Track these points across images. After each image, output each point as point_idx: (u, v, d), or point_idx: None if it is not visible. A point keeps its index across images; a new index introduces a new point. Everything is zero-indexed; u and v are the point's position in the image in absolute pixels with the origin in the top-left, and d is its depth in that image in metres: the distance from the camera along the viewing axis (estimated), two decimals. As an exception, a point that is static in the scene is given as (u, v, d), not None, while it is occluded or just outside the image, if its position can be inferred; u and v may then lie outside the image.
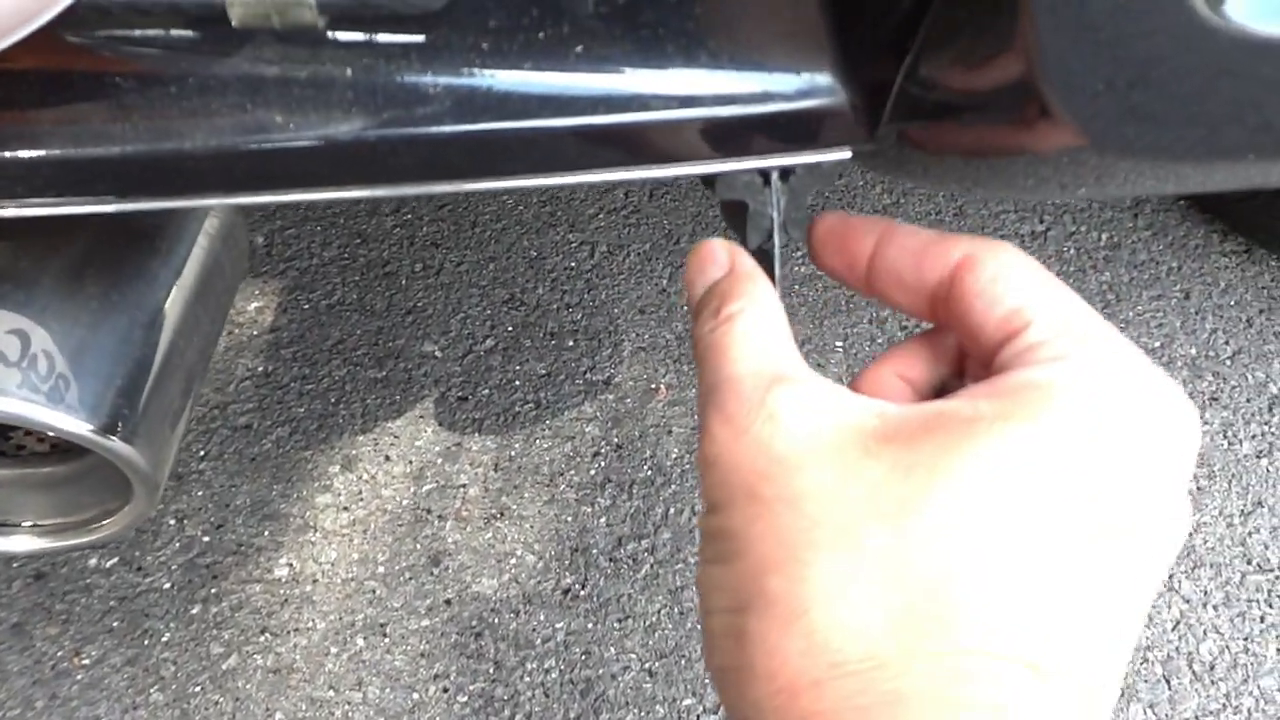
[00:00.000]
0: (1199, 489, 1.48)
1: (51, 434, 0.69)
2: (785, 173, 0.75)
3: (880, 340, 1.67)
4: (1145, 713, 1.24)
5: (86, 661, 1.26)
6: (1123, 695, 1.26)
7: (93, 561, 1.35)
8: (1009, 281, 0.40)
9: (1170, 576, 1.38)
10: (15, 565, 1.34)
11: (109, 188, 0.64)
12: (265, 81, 0.59)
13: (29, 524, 0.82)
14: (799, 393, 0.38)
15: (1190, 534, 1.43)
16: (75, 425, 0.69)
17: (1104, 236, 1.88)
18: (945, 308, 0.42)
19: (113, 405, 0.72)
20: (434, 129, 0.63)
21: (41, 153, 0.61)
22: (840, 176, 2.00)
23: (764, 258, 0.77)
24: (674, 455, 1.49)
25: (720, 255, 0.53)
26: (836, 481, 0.34)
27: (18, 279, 0.75)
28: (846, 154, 0.72)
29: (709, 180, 0.75)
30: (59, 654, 1.26)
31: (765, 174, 0.74)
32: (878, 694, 0.31)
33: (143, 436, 0.74)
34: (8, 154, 0.62)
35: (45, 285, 0.75)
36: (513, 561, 1.36)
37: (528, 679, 1.26)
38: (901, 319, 1.71)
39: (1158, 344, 1.69)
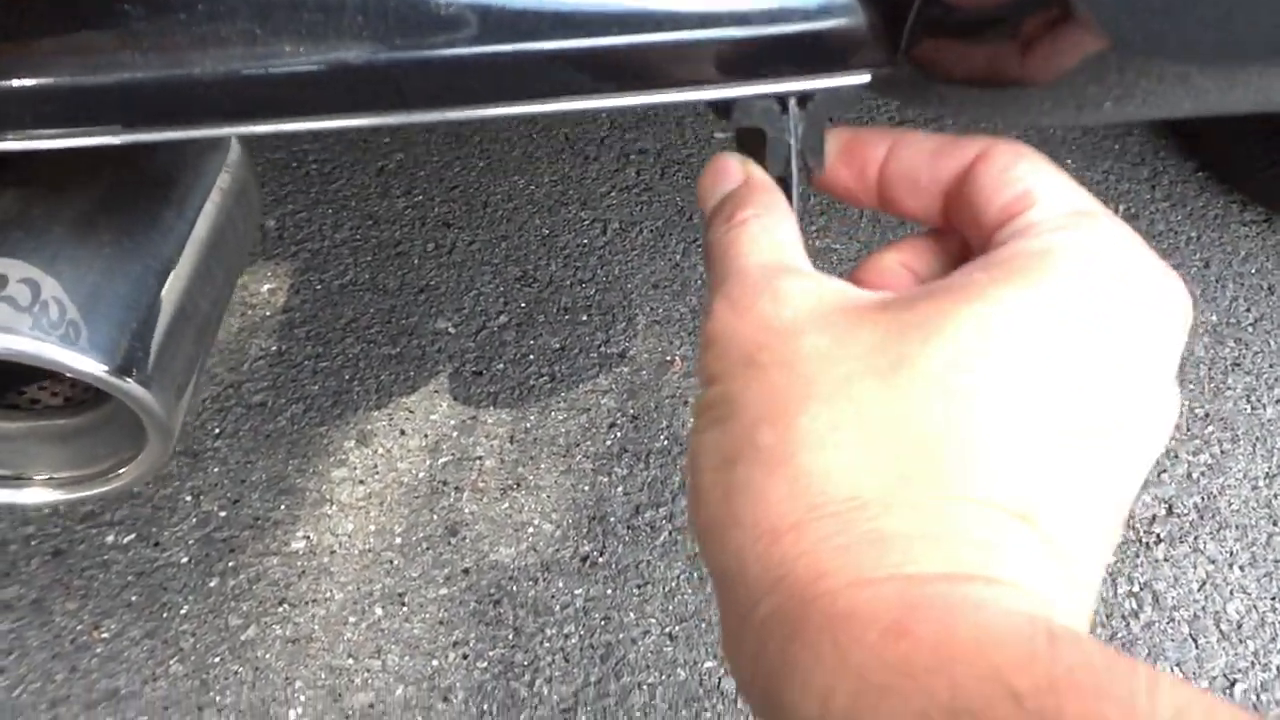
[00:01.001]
0: (1222, 453, 1.47)
1: (67, 374, 0.68)
2: (803, 98, 0.74)
3: (896, 310, 1.66)
4: (1173, 670, 1.23)
5: (106, 635, 1.26)
6: (1149, 654, 1.25)
7: (110, 538, 1.35)
8: (1020, 170, 0.40)
9: (1196, 538, 1.36)
10: (33, 543, 1.34)
11: (116, 116, 0.64)
12: (274, 4, 0.59)
13: (43, 477, 0.82)
14: (804, 280, 0.38)
15: (1216, 496, 1.41)
16: (89, 365, 0.69)
17: (1122, 207, 1.87)
18: (956, 205, 0.42)
19: (127, 349, 0.72)
20: (444, 51, 0.62)
21: (49, 80, 0.61)
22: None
23: (782, 186, 0.76)
24: (690, 425, 1.48)
25: (735, 169, 0.53)
26: (833, 344, 0.35)
27: (28, 227, 0.75)
28: (866, 78, 0.70)
29: (724, 107, 0.74)
30: (78, 628, 1.26)
31: (783, 100, 0.73)
32: (858, 533, 0.31)
33: (157, 381, 0.73)
34: (16, 82, 0.62)
35: (56, 233, 0.75)
36: (530, 531, 1.36)
37: (547, 644, 1.25)
38: (917, 289, 1.69)
39: (1177, 310, 1.67)
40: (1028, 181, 0.39)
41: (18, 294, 0.71)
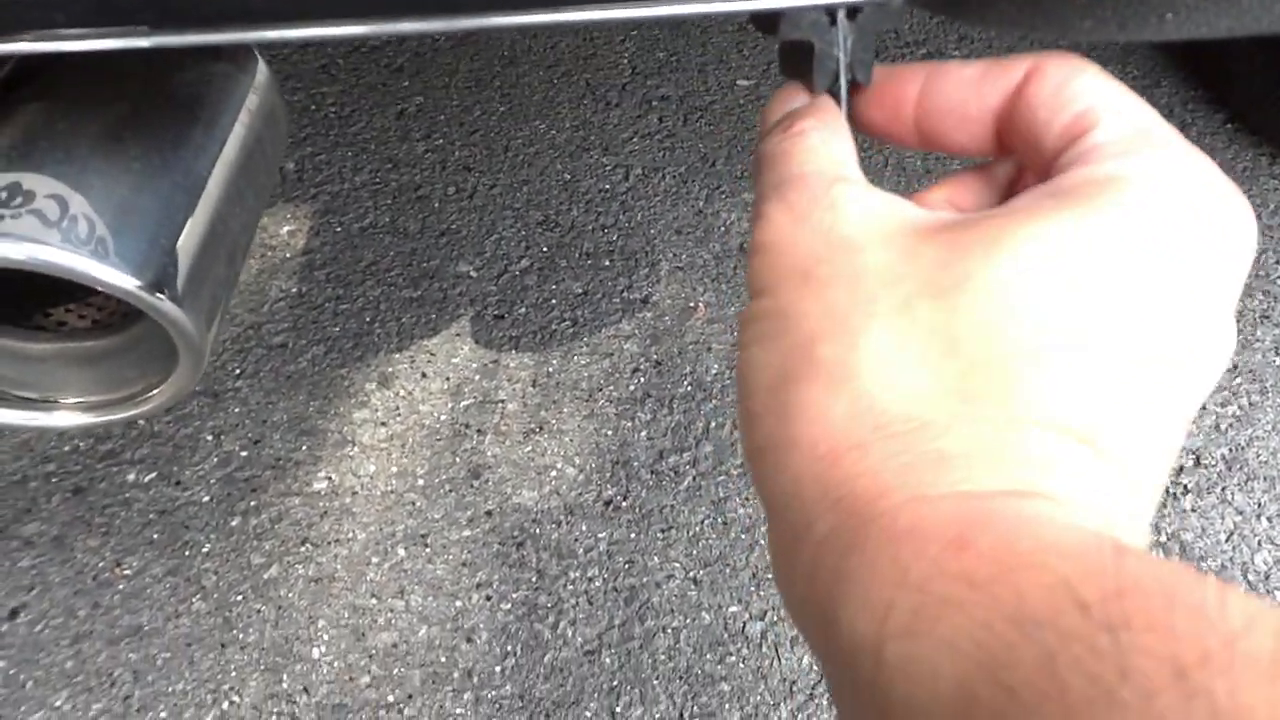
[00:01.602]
0: (1250, 404, 1.45)
1: (99, 288, 0.66)
2: (852, 10, 0.72)
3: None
4: (1201, 620, 1.22)
5: (128, 572, 1.25)
6: (1178, 603, 1.24)
7: (131, 476, 1.34)
8: (1077, 86, 0.38)
9: (1224, 489, 1.35)
10: (54, 480, 1.34)
11: (143, 16, 0.62)
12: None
13: (71, 400, 0.81)
14: (862, 191, 0.37)
15: (1244, 447, 1.40)
16: (122, 280, 0.67)
17: (1149, 157, 1.84)
18: (1008, 129, 0.40)
19: (158, 265, 0.70)
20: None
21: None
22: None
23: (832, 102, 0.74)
24: (714, 371, 1.47)
25: (800, 94, 0.52)
26: (893, 261, 0.34)
27: (55, 140, 0.73)
28: (916, -10, 0.68)
29: (771, 20, 0.72)
30: (100, 565, 1.26)
31: (832, 11, 0.71)
32: (920, 452, 0.30)
33: (189, 300, 0.72)
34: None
35: (83, 148, 0.73)
36: (553, 474, 1.35)
37: (571, 587, 1.24)
38: (944, 238, 1.67)
39: (1207, 262, 1.65)
40: (1088, 99, 0.37)
41: (46, 208, 0.69)
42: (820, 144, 0.41)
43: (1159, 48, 2.09)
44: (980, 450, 0.30)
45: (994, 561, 0.26)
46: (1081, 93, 0.37)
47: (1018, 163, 0.43)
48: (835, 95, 0.75)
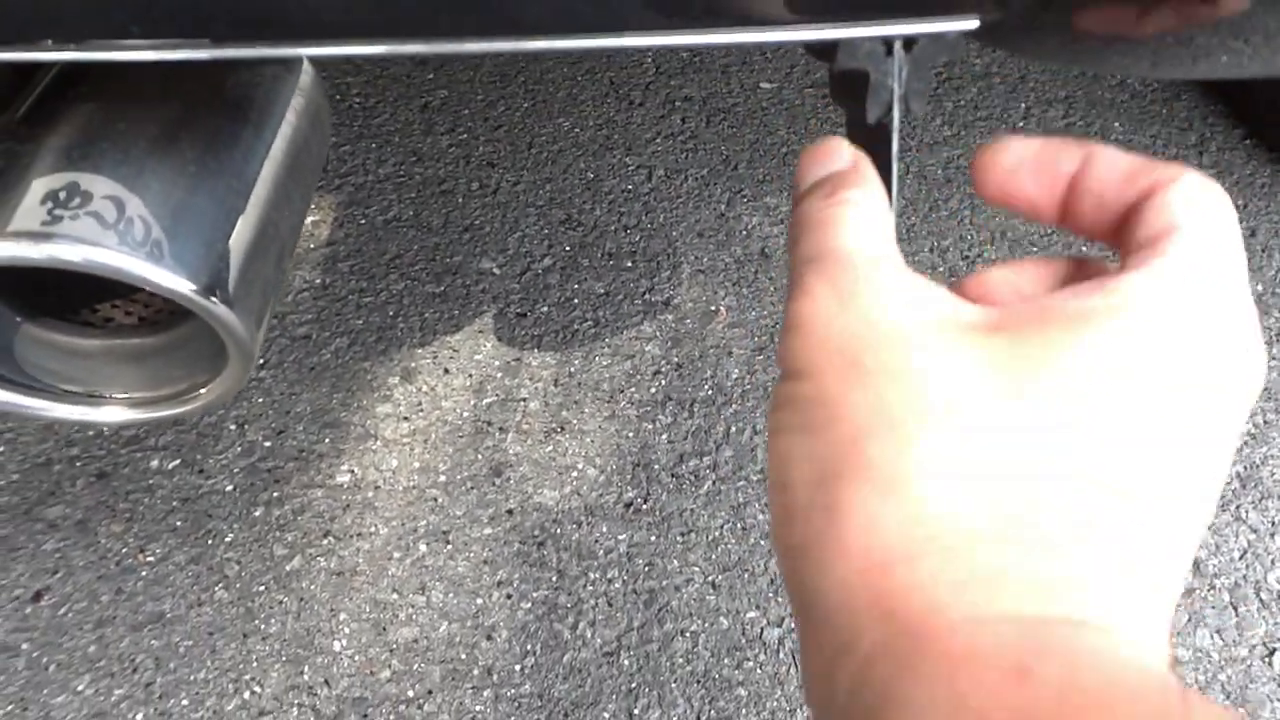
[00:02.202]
0: (1265, 423, 1.46)
1: (154, 291, 0.67)
2: (909, 42, 0.73)
3: (941, 269, 1.65)
4: (1212, 638, 1.23)
5: (151, 559, 1.26)
6: (1189, 620, 1.25)
7: (155, 463, 1.35)
8: (1186, 204, 0.38)
9: (1238, 507, 1.36)
10: (78, 464, 1.34)
11: (207, 30, 0.63)
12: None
13: (119, 396, 0.82)
14: (907, 276, 0.36)
15: (1258, 465, 1.41)
16: (176, 283, 0.68)
17: (1169, 173, 1.85)
18: (1125, 225, 0.40)
19: (211, 268, 0.71)
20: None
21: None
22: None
23: (882, 132, 0.75)
24: (734, 376, 1.48)
25: (845, 152, 0.50)
26: (944, 360, 0.33)
27: (114, 141, 0.74)
28: (974, 23, 0.69)
29: (828, 49, 0.73)
30: (124, 550, 1.27)
31: (888, 42, 0.72)
32: (974, 569, 0.29)
33: (240, 302, 0.73)
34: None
35: (141, 149, 0.74)
36: (574, 474, 1.36)
37: (590, 588, 1.25)
38: (963, 248, 1.68)
39: (1225, 280, 1.66)
40: (1185, 219, 0.37)
41: (103, 210, 0.70)
42: (865, 217, 0.40)
43: (1181, 63, 2.10)
44: (1036, 571, 0.29)
45: (1056, 696, 0.26)
46: (1185, 209, 0.37)
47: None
48: (887, 126, 0.76)
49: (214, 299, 0.70)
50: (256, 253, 0.76)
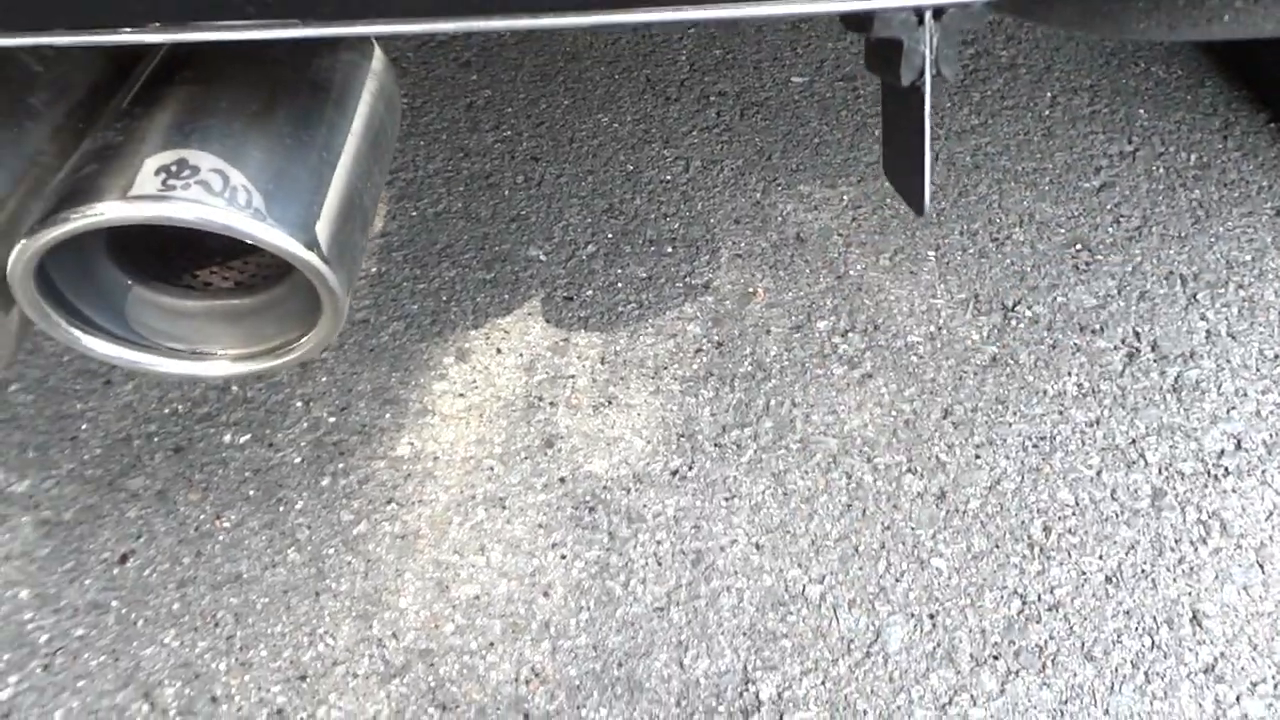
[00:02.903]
0: (1290, 394, 1.51)
1: (259, 245, 0.75)
2: (939, 11, 0.80)
3: (971, 250, 1.71)
4: (1240, 594, 1.28)
5: (227, 524, 1.34)
6: (1216, 577, 1.30)
7: (227, 437, 1.44)
8: None
9: (1264, 472, 1.41)
10: (155, 440, 1.43)
11: (299, 11, 0.71)
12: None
13: (220, 352, 0.90)
14: None
15: (1282, 433, 1.46)
16: (280, 239, 0.76)
17: (1193, 157, 1.90)
18: None
19: (309, 228, 0.79)
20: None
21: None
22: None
23: (915, 95, 0.82)
24: (773, 353, 1.55)
25: None
26: None
27: (217, 120, 0.82)
28: (997, -8, 0.76)
29: (862, 20, 0.80)
30: (201, 517, 1.35)
31: (920, 12, 0.79)
32: None
33: (335, 260, 0.81)
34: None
35: (240, 126, 0.82)
36: (622, 445, 1.43)
37: (640, 549, 1.32)
38: (992, 230, 1.74)
39: (1248, 258, 1.71)
40: None
41: (210, 180, 0.78)
42: None
43: (1203, 50, 2.15)
44: None
45: None
46: None
47: None
48: (920, 89, 0.84)
49: (313, 254, 0.78)
50: (346, 218, 0.84)
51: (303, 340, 0.86)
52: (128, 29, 0.74)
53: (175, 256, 0.91)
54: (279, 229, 0.76)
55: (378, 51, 1.02)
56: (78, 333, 0.83)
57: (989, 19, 2.20)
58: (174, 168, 0.77)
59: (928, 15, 0.80)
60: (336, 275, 0.80)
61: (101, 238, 0.85)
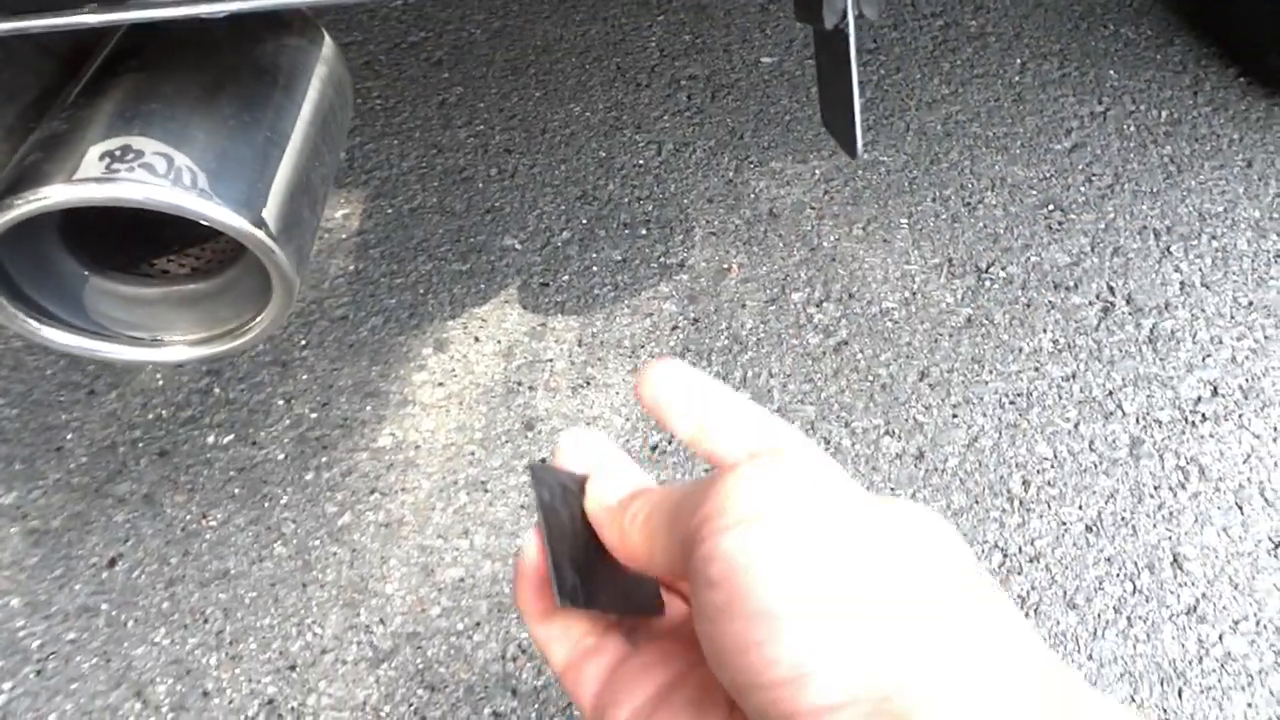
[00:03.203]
0: (1265, 338, 1.51)
1: (207, 223, 0.76)
2: (859, -47, 0.81)
3: (944, 216, 1.71)
4: (1219, 535, 1.29)
5: (213, 523, 1.35)
6: (1196, 520, 1.30)
7: (211, 438, 1.45)
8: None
9: (1240, 416, 1.41)
10: (140, 445, 1.44)
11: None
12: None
13: (179, 338, 0.91)
14: None
15: (1259, 377, 1.46)
16: (228, 216, 0.77)
17: (1164, 114, 1.90)
18: None
19: (255, 206, 0.80)
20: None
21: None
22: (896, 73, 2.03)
23: (840, 38, 0.84)
24: (749, 326, 1.55)
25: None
26: None
27: (161, 103, 0.83)
28: (916, -68, 0.77)
29: (788, -31, 0.81)
30: (187, 518, 1.36)
31: (840, -45, 0.80)
32: None
33: (283, 236, 0.82)
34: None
35: (184, 110, 0.83)
36: (601, 424, 1.44)
37: (623, 524, 1.33)
38: (964, 195, 1.75)
39: (1220, 209, 1.71)
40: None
41: (155, 163, 0.79)
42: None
43: (1173, 9, 2.15)
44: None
45: None
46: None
47: None
48: (844, 31, 0.85)
49: (260, 232, 0.79)
50: (293, 198, 0.85)
51: (256, 320, 0.87)
52: (65, 14, 0.75)
53: (131, 246, 0.93)
54: (224, 206, 0.77)
55: (327, 39, 1.03)
56: (35, 324, 0.84)
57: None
58: (118, 152, 0.78)
59: (849, -41, 0.80)
60: (284, 251, 0.81)
61: (54, 228, 0.87)
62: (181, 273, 0.93)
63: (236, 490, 1.39)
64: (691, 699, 0.42)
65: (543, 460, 0.45)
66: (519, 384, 1.49)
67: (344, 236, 1.72)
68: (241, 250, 0.88)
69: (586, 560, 0.46)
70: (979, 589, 0.35)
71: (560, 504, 0.47)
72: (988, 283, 1.60)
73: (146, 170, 0.77)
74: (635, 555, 0.43)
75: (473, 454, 1.41)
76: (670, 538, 0.40)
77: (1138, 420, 1.41)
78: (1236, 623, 1.21)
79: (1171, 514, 1.31)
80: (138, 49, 0.89)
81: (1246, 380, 1.46)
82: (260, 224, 0.79)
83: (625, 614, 0.48)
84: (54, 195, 0.74)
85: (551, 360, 1.52)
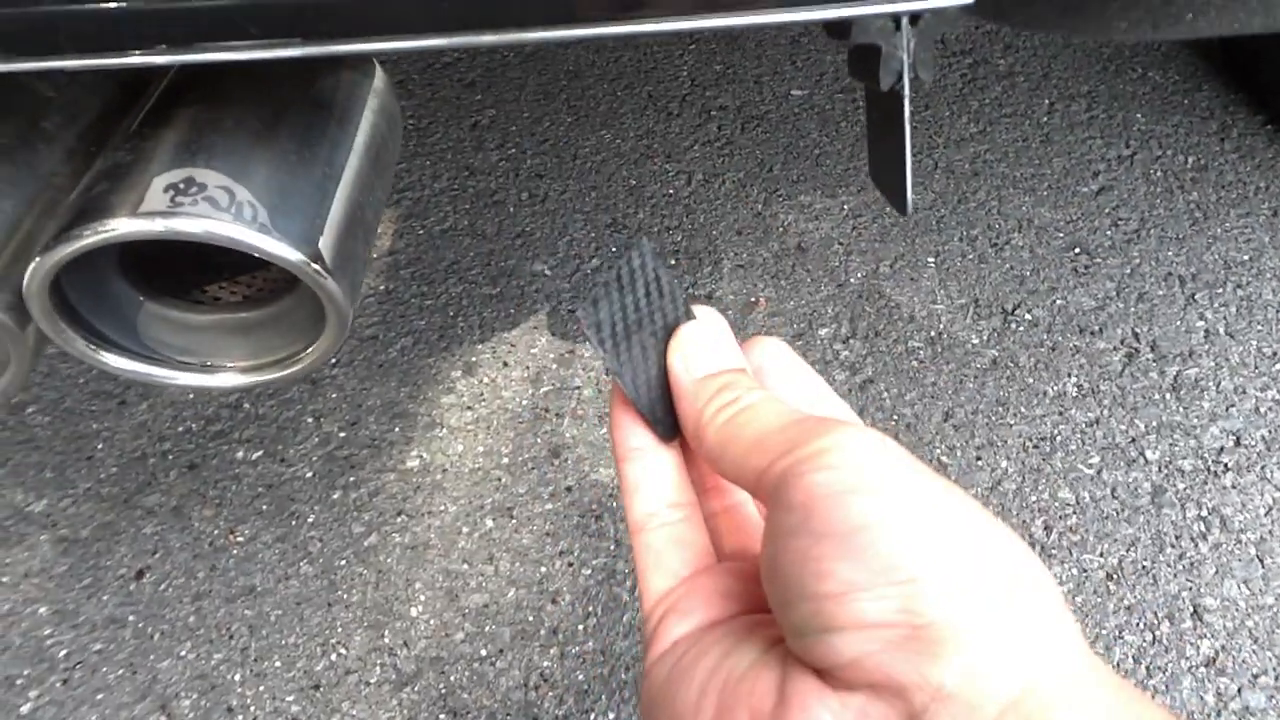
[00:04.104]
0: (1289, 391, 1.53)
1: (265, 258, 0.78)
2: (915, 17, 0.82)
3: (971, 256, 1.73)
4: (1240, 587, 1.29)
5: (241, 539, 1.37)
6: (1217, 572, 1.31)
7: (240, 454, 1.46)
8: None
9: (1263, 468, 1.42)
10: (170, 457, 1.46)
11: (300, 31, 0.74)
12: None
13: (231, 365, 0.92)
14: None
15: (1282, 429, 1.47)
16: (285, 250, 0.78)
17: (1191, 160, 1.92)
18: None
19: (312, 241, 0.81)
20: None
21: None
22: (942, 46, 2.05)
23: (895, 99, 0.85)
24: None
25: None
26: None
27: (222, 139, 0.85)
28: (971, -2, 0.78)
29: (842, 28, 0.82)
30: (215, 532, 1.38)
31: (897, 18, 0.81)
32: None
33: (338, 271, 0.83)
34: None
35: (245, 145, 0.85)
36: (627, 453, 1.45)
37: (647, 554, 1.34)
38: (991, 236, 1.76)
39: (1246, 257, 1.72)
40: None
41: (217, 196, 0.80)
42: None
43: (1200, 54, 2.17)
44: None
45: None
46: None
47: None
48: (899, 92, 0.86)
49: (316, 266, 0.80)
50: (348, 231, 0.87)
51: (309, 350, 0.88)
52: (137, 52, 0.77)
53: (185, 272, 0.94)
54: (283, 242, 0.79)
55: (379, 71, 1.05)
56: (93, 348, 0.86)
57: (977, 27, 2.22)
58: (182, 185, 0.80)
59: (904, 21, 0.82)
60: (339, 286, 0.82)
61: (113, 256, 0.88)
62: (234, 300, 0.95)
63: (264, 506, 1.40)
64: (738, 629, 0.44)
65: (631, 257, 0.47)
66: (546, 410, 1.51)
67: (375, 256, 1.74)
68: (295, 280, 0.90)
69: (663, 390, 0.49)
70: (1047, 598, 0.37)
71: (634, 323, 0.49)
72: (1013, 324, 1.61)
73: (210, 204, 0.79)
74: (703, 441, 0.45)
75: (499, 479, 1.42)
76: (748, 453, 0.42)
77: (1160, 468, 1.42)
78: (1256, 676, 1.21)
79: (1192, 564, 1.32)
80: (199, 79, 0.91)
81: (1269, 432, 1.47)
82: (317, 258, 0.81)
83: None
84: (120, 227, 0.75)
85: (579, 387, 1.54)
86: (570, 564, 1.34)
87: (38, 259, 0.76)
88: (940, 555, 0.35)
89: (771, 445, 0.41)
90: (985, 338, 1.60)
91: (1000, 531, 0.37)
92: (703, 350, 0.49)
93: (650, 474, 0.49)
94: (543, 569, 1.33)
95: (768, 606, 0.42)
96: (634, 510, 0.49)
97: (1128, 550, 1.33)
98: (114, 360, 0.87)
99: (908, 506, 0.36)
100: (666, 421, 0.49)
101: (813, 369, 0.51)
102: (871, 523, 0.35)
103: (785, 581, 0.37)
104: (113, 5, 0.72)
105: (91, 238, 0.75)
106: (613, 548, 1.35)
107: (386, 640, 1.27)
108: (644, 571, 0.48)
